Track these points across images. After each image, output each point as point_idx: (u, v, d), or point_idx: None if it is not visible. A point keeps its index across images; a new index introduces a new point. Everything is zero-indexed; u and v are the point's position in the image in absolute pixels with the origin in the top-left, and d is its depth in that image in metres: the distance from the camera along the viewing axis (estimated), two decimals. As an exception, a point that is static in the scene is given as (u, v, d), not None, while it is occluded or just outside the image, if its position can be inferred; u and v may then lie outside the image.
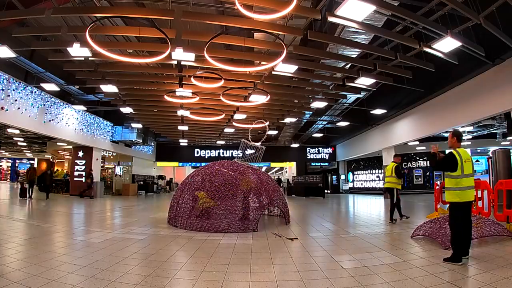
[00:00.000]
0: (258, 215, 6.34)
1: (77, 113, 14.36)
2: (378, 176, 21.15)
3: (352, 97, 13.76)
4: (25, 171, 17.58)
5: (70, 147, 17.09)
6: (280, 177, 32.23)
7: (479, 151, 20.54)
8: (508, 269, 3.36)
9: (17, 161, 35.78)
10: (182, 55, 7.77)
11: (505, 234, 4.91)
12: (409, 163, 20.30)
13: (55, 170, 22.34)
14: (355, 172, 24.01)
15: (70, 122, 13.78)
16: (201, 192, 6.40)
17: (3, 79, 9.82)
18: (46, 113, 12.06)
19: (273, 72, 9.32)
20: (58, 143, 18.43)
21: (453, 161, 3.77)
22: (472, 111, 9.61)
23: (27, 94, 10.92)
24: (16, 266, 3.49)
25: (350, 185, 24.42)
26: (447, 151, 4.05)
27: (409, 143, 16.27)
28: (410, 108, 12.98)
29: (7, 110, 9.93)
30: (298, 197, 19.18)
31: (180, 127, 17.14)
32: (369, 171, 22.47)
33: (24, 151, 29.14)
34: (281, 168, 35.62)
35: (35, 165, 32.18)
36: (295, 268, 3.65)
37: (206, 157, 24.59)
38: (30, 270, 3.32)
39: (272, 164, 27.06)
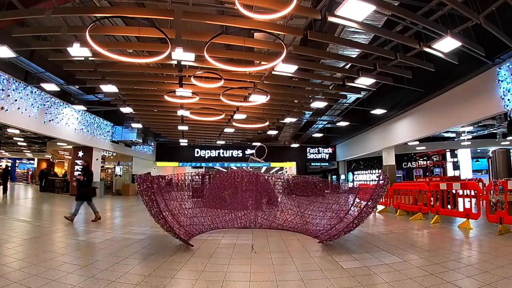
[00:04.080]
0: None
1: (77, 113, 14.36)
2: (378, 176, 21.12)
3: (352, 97, 13.75)
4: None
5: (70, 147, 17.08)
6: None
7: (479, 151, 20.53)
8: (508, 269, 3.36)
9: (17, 161, 35.74)
10: (182, 55, 7.77)
11: None
12: (409, 163, 20.30)
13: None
14: (355, 172, 24.01)
15: (70, 122, 13.77)
16: None
17: (3, 79, 9.81)
18: (46, 113, 12.05)
19: (273, 72, 9.31)
20: (58, 143, 18.43)
21: None
22: (472, 111, 9.60)
23: (27, 94, 10.91)
24: (16, 266, 3.49)
25: (350, 185, 24.41)
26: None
27: (409, 143, 16.28)
28: (410, 108, 12.97)
29: (7, 110, 9.92)
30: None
31: (180, 127, 17.13)
32: (369, 171, 22.46)
33: (24, 151, 29.12)
34: (281, 168, 35.63)
35: (35, 165, 32.43)
36: (295, 268, 3.65)
37: (206, 157, 24.60)
38: (30, 270, 3.32)
39: (272, 164, 27.05)
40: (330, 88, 11.66)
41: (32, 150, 28.35)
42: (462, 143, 18.67)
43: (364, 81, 9.73)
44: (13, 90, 10.22)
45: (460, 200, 7.01)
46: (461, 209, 6.62)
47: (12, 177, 34.33)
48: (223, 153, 24.65)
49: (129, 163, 21.49)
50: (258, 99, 11.30)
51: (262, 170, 29.69)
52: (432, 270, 3.41)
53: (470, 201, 6.42)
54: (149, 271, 3.46)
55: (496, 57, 8.07)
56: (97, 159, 16.46)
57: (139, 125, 17.18)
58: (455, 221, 6.81)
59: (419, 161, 16.62)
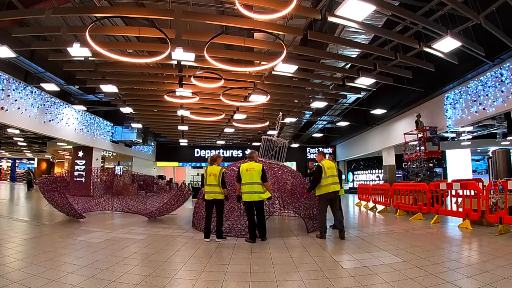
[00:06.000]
0: None
1: (77, 113, 14.36)
2: (378, 176, 21.12)
3: (352, 97, 13.75)
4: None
5: (70, 147, 17.08)
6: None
7: (479, 151, 20.52)
8: (508, 269, 3.36)
9: (17, 161, 35.75)
10: (182, 55, 7.77)
11: None
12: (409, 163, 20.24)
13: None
14: (355, 172, 24.00)
15: (70, 122, 13.77)
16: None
17: (3, 79, 9.81)
18: (46, 113, 12.05)
19: (273, 72, 9.32)
20: (58, 143, 18.43)
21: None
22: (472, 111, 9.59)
23: (27, 94, 10.91)
24: (16, 266, 3.49)
25: (350, 185, 24.41)
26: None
27: (409, 143, 16.24)
28: (410, 108, 12.96)
29: (7, 110, 9.92)
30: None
31: (180, 127, 17.13)
32: (369, 171, 22.44)
33: (24, 151, 29.12)
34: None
35: (35, 165, 32.48)
36: (295, 268, 3.65)
37: (206, 157, 24.59)
38: (30, 270, 3.32)
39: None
40: (330, 88, 11.66)
41: (32, 150, 28.35)
42: (462, 143, 18.63)
43: (364, 81, 9.72)
44: (13, 90, 10.22)
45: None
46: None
47: (13, 176, 34.41)
48: (223, 153, 24.65)
49: (129, 163, 21.50)
50: (258, 99, 11.30)
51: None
52: (432, 270, 3.41)
53: (470, 201, 6.38)
54: (149, 271, 3.46)
55: (496, 57, 8.08)
56: (97, 159, 16.46)
57: (139, 125, 17.18)
58: (455, 221, 6.81)
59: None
